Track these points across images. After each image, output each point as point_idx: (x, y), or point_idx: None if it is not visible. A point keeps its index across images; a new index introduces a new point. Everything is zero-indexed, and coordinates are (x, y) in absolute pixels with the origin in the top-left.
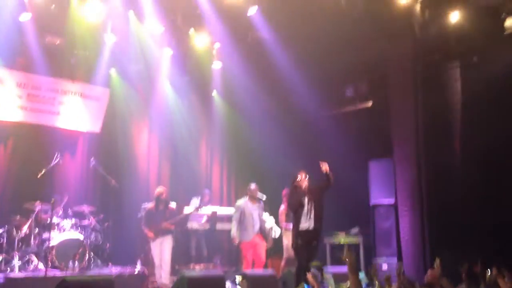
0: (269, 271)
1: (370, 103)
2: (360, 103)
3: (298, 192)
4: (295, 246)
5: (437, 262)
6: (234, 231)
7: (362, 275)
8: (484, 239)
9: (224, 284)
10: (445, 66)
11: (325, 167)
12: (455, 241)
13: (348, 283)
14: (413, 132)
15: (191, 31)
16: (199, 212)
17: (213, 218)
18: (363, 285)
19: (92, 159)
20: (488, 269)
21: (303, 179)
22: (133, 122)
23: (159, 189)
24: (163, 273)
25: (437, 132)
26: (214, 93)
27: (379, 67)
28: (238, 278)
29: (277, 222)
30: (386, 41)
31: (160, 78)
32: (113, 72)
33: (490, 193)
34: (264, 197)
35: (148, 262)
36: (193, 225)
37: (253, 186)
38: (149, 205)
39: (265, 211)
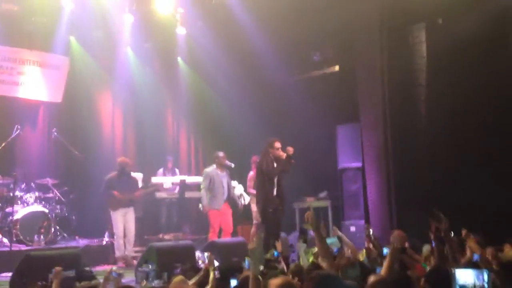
0: (239, 238)
1: (337, 68)
2: (327, 67)
3: (279, 161)
4: (264, 212)
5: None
6: (205, 201)
7: (334, 239)
8: (450, 200)
9: (194, 253)
10: (410, 29)
11: (291, 151)
12: (421, 202)
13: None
14: (379, 96)
15: None
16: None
17: (182, 187)
18: (335, 249)
19: (54, 130)
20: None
21: (280, 149)
22: (95, 91)
23: (122, 159)
24: (128, 244)
25: (403, 95)
26: (179, 60)
27: (345, 31)
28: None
29: (245, 189)
30: (351, 4)
31: (121, 45)
32: (72, 39)
33: (455, 155)
34: (232, 165)
35: None
36: (161, 194)
37: (221, 154)
38: (112, 173)
39: (233, 178)
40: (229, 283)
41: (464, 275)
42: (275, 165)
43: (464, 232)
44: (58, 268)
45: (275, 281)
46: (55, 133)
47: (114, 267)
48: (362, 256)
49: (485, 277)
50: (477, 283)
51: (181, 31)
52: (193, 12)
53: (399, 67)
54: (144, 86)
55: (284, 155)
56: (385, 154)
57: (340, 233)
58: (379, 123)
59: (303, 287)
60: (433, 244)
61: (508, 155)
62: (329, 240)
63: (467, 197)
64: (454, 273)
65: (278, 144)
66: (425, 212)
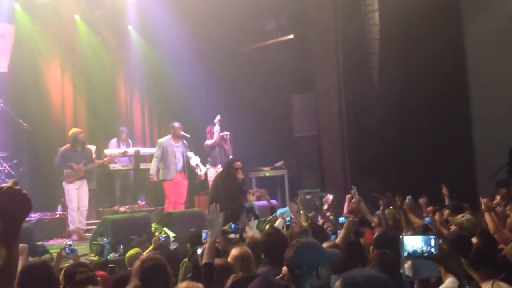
0: (196, 209)
1: (291, 36)
2: (282, 36)
3: (235, 181)
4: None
5: (354, 189)
6: (153, 168)
7: (286, 209)
8: (400, 164)
9: (150, 224)
10: None
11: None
12: (375, 169)
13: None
14: (334, 65)
15: None
16: (126, 153)
17: (136, 158)
18: (287, 218)
19: (0, 101)
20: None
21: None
22: (43, 60)
23: (74, 130)
24: (81, 217)
25: (357, 63)
26: (130, 28)
27: None
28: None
29: (203, 159)
30: None
31: (69, 12)
32: (17, 6)
33: (406, 121)
34: (188, 136)
35: None
36: (115, 166)
37: (176, 124)
38: (66, 145)
39: (190, 149)
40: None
41: (411, 241)
42: (229, 183)
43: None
44: (23, 246)
45: (233, 251)
46: (2, 104)
47: (68, 241)
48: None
49: (432, 242)
50: (425, 248)
51: None
52: None
53: (353, 36)
54: (94, 55)
55: (241, 177)
56: (340, 122)
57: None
58: (333, 91)
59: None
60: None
61: (456, 122)
62: (282, 210)
63: (415, 161)
64: (402, 240)
65: (237, 165)
66: (378, 178)
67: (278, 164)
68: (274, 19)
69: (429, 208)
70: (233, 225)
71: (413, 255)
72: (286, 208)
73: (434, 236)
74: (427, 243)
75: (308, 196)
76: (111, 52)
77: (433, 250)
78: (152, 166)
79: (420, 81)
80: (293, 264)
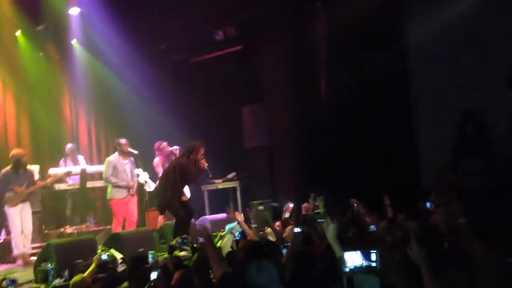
0: (144, 228)
1: (239, 47)
2: (230, 47)
3: (198, 167)
4: (175, 203)
5: (312, 197)
6: (112, 191)
7: (235, 224)
8: (351, 176)
9: (95, 247)
10: (310, 8)
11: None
12: (326, 178)
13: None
14: (282, 75)
15: None
16: (70, 173)
17: (83, 176)
18: (236, 233)
19: None
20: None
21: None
22: None
23: (17, 151)
24: (26, 241)
25: (306, 74)
26: (74, 42)
27: (247, 10)
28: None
29: (152, 175)
30: None
31: (10, 27)
32: None
33: (354, 132)
34: (135, 152)
35: None
36: (61, 186)
37: (123, 141)
38: (7, 167)
39: (138, 166)
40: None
41: (352, 256)
42: (194, 169)
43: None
44: None
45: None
46: None
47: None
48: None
49: (373, 257)
50: (366, 263)
51: (74, 11)
52: None
53: (300, 46)
54: (37, 71)
55: (205, 165)
56: (289, 132)
57: (239, 218)
58: (283, 102)
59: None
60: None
61: (401, 128)
62: (230, 225)
63: (364, 168)
64: (342, 257)
65: (202, 151)
66: (329, 187)
67: (230, 176)
68: (222, 30)
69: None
70: (180, 239)
71: (354, 271)
72: (235, 223)
73: (374, 251)
74: (367, 258)
75: (261, 207)
76: (55, 67)
77: (373, 264)
78: (110, 188)
79: (366, 89)
80: None
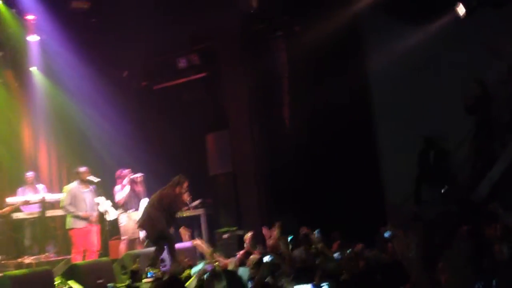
0: (103, 259)
1: (203, 74)
2: (194, 74)
3: (179, 201)
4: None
5: (277, 225)
6: (71, 220)
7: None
8: (315, 203)
9: (52, 279)
10: (270, 37)
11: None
12: (290, 206)
13: None
14: (245, 103)
15: None
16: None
17: (42, 205)
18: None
19: None
20: (315, 232)
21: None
22: None
23: None
24: None
25: (268, 101)
26: (33, 69)
27: (209, 38)
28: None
29: (113, 204)
30: (213, 12)
31: None
32: None
33: (317, 157)
34: (95, 180)
35: None
36: (19, 214)
37: (82, 169)
38: None
39: (100, 194)
40: None
41: None
42: (177, 201)
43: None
44: None
45: None
46: None
47: None
48: (232, 264)
49: None
50: None
51: (33, 38)
52: (48, 19)
53: (263, 74)
54: None
55: (187, 198)
56: (253, 159)
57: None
58: (246, 129)
59: None
60: None
61: (365, 154)
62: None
63: (328, 195)
64: None
65: (186, 185)
66: (294, 214)
67: (195, 203)
68: (185, 57)
69: (335, 244)
70: (149, 273)
71: None
72: (200, 265)
73: (326, 283)
74: None
75: (225, 235)
76: (13, 94)
77: None
78: (69, 217)
79: (329, 116)
80: None
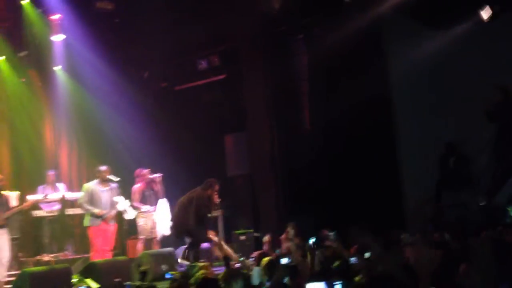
0: (122, 258)
1: (223, 76)
2: (214, 76)
3: (211, 203)
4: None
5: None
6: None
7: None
8: (333, 205)
9: (70, 277)
10: (291, 39)
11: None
12: (307, 208)
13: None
14: (265, 105)
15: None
16: (46, 198)
17: (62, 203)
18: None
19: None
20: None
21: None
22: None
23: None
24: (2, 269)
25: (288, 103)
26: (57, 69)
27: (230, 40)
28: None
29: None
30: (235, 14)
31: None
32: None
33: (337, 161)
34: (117, 179)
35: None
36: (40, 212)
37: (103, 168)
38: None
39: (119, 194)
40: None
41: None
42: (208, 202)
43: None
44: None
45: None
46: None
47: None
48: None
49: None
50: None
51: (58, 38)
52: (72, 18)
53: (282, 76)
54: (18, 97)
55: (217, 200)
56: (271, 161)
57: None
58: (265, 131)
59: None
60: None
61: (384, 156)
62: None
63: (347, 197)
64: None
65: (217, 187)
66: (311, 216)
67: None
68: (205, 59)
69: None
70: (168, 274)
71: None
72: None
73: (339, 282)
74: None
75: (242, 237)
76: (37, 93)
77: None
78: (88, 216)
79: (348, 119)
80: None
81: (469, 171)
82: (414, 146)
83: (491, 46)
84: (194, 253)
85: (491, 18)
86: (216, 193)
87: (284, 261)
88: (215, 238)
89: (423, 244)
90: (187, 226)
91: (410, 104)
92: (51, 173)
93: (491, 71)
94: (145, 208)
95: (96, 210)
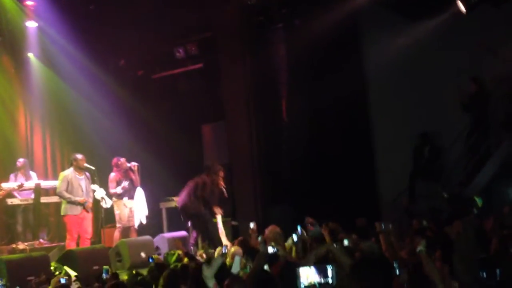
0: (99, 245)
1: (201, 65)
2: (191, 64)
3: (216, 188)
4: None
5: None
6: (66, 207)
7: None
8: (310, 195)
9: (48, 264)
10: (270, 28)
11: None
12: (284, 197)
13: None
14: (243, 94)
15: None
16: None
17: (37, 191)
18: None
19: None
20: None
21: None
22: None
23: None
24: None
25: (266, 93)
26: (30, 56)
27: (208, 28)
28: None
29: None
30: (212, 2)
31: None
32: None
33: (314, 150)
34: (92, 168)
35: None
36: (14, 200)
37: (79, 156)
38: None
39: (95, 182)
40: None
41: (307, 272)
42: (214, 188)
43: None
44: None
45: None
46: None
47: None
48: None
49: (329, 272)
50: (322, 280)
51: (31, 24)
52: (47, 5)
53: (261, 66)
54: None
55: (222, 186)
56: (249, 150)
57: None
58: (243, 121)
59: None
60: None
61: (360, 147)
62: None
63: (323, 187)
64: (298, 272)
65: (222, 173)
66: (288, 206)
67: None
68: (183, 47)
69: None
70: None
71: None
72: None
73: (330, 265)
74: (324, 274)
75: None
76: (10, 80)
77: (329, 280)
78: (65, 203)
79: (326, 110)
80: None
81: (442, 162)
82: (390, 136)
83: (467, 38)
84: (203, 236)
85: (467, 10)
86: (221, 178)
87: (270, 250)
88: (219, 212)
89: (395, 234)
90: (194, 209)
91: (386, 94)
92: (21, 161)
93: (466, 63)
94: (119, 190)
95: (78, 198)
